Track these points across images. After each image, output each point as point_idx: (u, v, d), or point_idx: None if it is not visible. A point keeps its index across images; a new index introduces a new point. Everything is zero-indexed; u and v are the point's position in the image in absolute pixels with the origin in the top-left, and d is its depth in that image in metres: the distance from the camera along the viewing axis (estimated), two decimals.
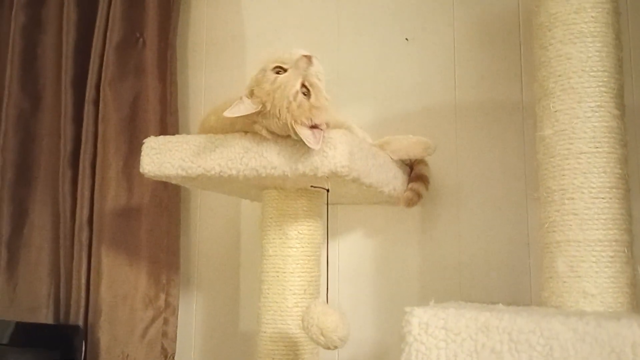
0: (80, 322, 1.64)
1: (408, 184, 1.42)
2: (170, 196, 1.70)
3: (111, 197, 1.68)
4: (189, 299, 1.75)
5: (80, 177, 1.72)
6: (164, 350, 1.63)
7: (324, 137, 1.09)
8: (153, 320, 1.63)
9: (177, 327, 1.66)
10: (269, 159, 1.14)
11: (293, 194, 1.31)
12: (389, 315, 1.55)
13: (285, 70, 1.11)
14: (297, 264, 1.31)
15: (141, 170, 1.26)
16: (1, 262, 1.81)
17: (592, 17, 1.01)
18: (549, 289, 1.00)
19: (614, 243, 0.97)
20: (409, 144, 1.38)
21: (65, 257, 1.74)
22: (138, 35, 1.77)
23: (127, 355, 1.60)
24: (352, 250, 1.61)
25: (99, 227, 1.67)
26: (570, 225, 0.98)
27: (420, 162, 1.45)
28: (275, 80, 1.10)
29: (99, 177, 1.69)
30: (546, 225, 1.02)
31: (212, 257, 1.76)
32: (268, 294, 1.31)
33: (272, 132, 1.12)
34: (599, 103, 1.00)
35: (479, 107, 1.54)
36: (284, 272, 1.31)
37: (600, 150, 0.99)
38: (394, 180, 1.35)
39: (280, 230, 1.32)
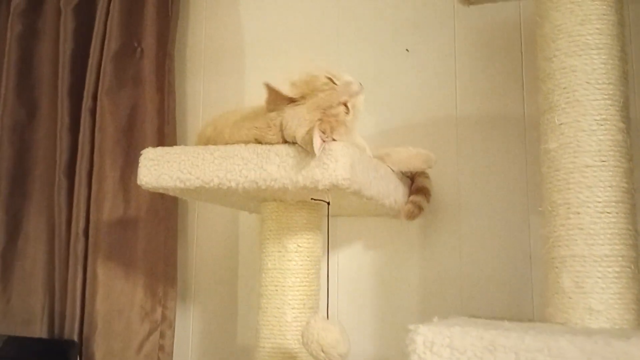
0: (75, 336, 1.61)
1: (409, 196, 1.41)
2: (167, 208, 1.67)
3: (107, 208, 1.66)
4: (186, 312, 1.73)
5: (76, 187, 1.69)
6: None
7: (324, 147, 1.07)
8: (149, 333, 1.61)
9: (174, 341, 1.63)
10: (269, 171, 1.12)
11: (292, 207, 1.30)
12: (389, 329, 1.53)
13: (334, 84, 1.14)
14: (297, 277, 1.29)
15: (138, 181, 1.24)
16: None
17: (598, 29, 1.00)
18: (554, 305, 0.98)
19: (620, 259, 0.95)
20: (410, 156, 1.36)
21: (60, 269, 1.71)
22: (136, 44, 1.76)
23: None
24: (352, 263, 1.59)
25: (95, 238, 1.65)
26: (576, 240, 0.96)
27: (421, 174, 1.44)
28: (327, 84, 1.13)
29: (95, 187, 1.66)
30: (551, 240, 1.00)
31: (210, 269, 1.74)
32: (267, 308, 1.29)
33: (279, 135, 1.12)
34: (604, 116, 0.98)
35: (480, 118, 1.52)
36: (283, 286, 1.28)
37: (606, 163, 0.97)
38: (395, 193, 1.33)
39: (279, 243, 1.30)
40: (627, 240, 0.96)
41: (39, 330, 1.72)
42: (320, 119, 1.09)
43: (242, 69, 1.79)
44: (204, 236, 1.76)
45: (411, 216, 1.38)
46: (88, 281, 1.64)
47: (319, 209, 1.32)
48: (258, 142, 1.17)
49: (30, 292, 1.76)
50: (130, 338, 1.59)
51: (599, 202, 0.96)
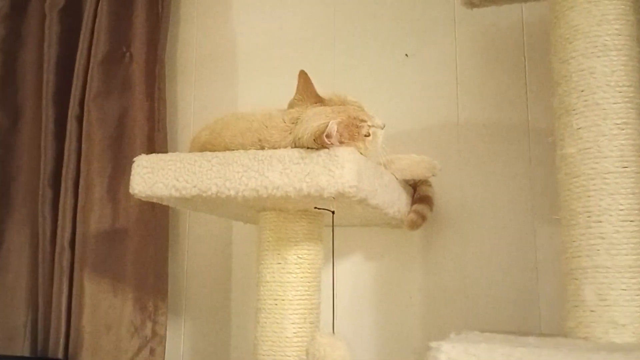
0: (60, 354, 1.53)
1: (412, 205, 1.35)
2: (157, 218, 1.61)
3: (95, 219, 1.58)
4: (177, 328, 1.65)
5: (61, 197, 1.62)
6: None
7: (331, 151, 1.03)
8: (139, 350, 1.53)
9: (164, 357, 1.55)
10: (270, 179, 1.06)
11: (292, 216, 1.24)
12: (391, 343, 1.47)
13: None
14: (297, 290, 1.23)
15: (131, 190, 1.17)
16: None
17: (616, 29, 0.96)
18: (575, 319, 0.93)
19: None
20: (413, 164, 1.31)
21: (44, 282, 1.63)
22: (125, 49, 1.70)
23: None
24: (351, 275, 1.53)
25: (82, 250, 1.57)
26: (598, 250, 0.92)
27: (424, 182, 1.39)
28: (356, 103, 1.14)
29: (82, 197, 1.59)
30: (570, 250, 0.95)
31: (202, 282, 1.67)
32: (265, 323, 1.22)
33: (289, 137, 1.08)
34: (625, 120, 0.94)
35: (483, 125, 1.48)
36: (283, 300, 1.22)
37: (628, 169, 0.92)
38: (399, 202, 1.27)
39: (278, 254, 1.24)
40: None
41: (21, 347, 1.64)
42: (344, 121, 1.06)
43: (235, 75, 1.74)
44: (196, 248, 1.69)
45: (414, 226, 1.33)
46: (74, 295, 1.57)
47: (320, 218, 1.26)
48: (261, 146, 1.11)
49: (12, 307, 1.67)
50: (119, 355, 1.52)
51: (622, 209, 0.92)
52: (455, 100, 1.51)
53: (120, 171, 1.60)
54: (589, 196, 0.94)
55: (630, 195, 0.92)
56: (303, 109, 1.12)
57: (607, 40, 0.96)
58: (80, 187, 1.60)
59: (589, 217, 0.93)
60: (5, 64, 1.79)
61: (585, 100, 0.96)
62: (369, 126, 1.11)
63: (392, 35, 1.59)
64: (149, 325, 1.55)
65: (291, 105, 1.16)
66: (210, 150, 1.16)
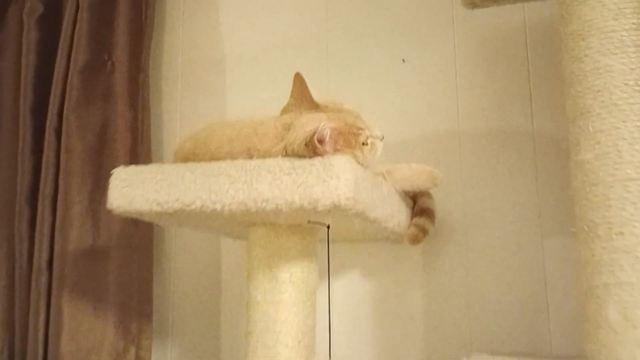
0: None
1: (412, 218, 1.27)
2: (141, 235, 1.51)
3: (74, 236, 1.49)
4: (163, 353, 1.55)
5: (39, 214, 1.52)
6: None
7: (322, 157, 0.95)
8: None
9: None
10: (259, 190, 0.98)
11: (284, 231, 1.14)
12: None
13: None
14: (290, 311, 1.13)
15: (108, 205, 1.08)
16: None
17: (634, 24, 0.88)
18: (597, 341, 0.85)
19: None
20: (413, 174, 1.23)
21: (21, 305, 1.53)
22: (106, 57, 1.61)
23: None
24: (349, 294, 1.44)
25: (60, 271, 1.47)
26: (622, 264, 0.83)
27: (424, 194, 1.30)
28: (354, 112, 1.06)
29: (60, 214, 1.49)
30: (590, 266, 0.87)
31: (190, 304, 1.57)
32: (257, 347, 1.13)
33: (281, 144, 1.00)
34: None
35: (485, 133, 1.40)
36: (275, 322, 1.13)
37: None
38: (398, 214, 1.19)
39: (269, 273, 1.14)
40: None
41: None
42: (340, 128, 0.98)
43: (223, 84, 1.65)
44: (183, 267, 1.59)
45: (415, 240, 1.24)
46: (52, 318, 1.46)
47: (314, 233, 1.17)
48: (250, 155, 1.02)
49: None
50: None
51: None
52: (455, 107, 1.43)
53: (101, 185, 1.50)
54: (609, 205, 0.85)
55: None
56: (297, 114, 1.04)
57: (624, 36, 0.88)
58: (58, 203, 1.50)
59: (609, 228, 0.85)
60: None
61: (602, 102, 0.88)
62: (367, 136, 1.03)
63: (387, 39, 1.52)
64: (133, 350, 1.45)
65: (285, 111, 1.08)
66: (194, 161, 1.08)
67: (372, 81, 1.50)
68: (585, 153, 0.89)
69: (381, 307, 1.41)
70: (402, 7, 1.51)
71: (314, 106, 1.05)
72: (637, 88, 0.87)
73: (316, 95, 1.07)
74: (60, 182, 1.51)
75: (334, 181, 0.93)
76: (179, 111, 1.68)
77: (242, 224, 1.17)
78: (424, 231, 1.25)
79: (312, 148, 0.95)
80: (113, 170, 1.10)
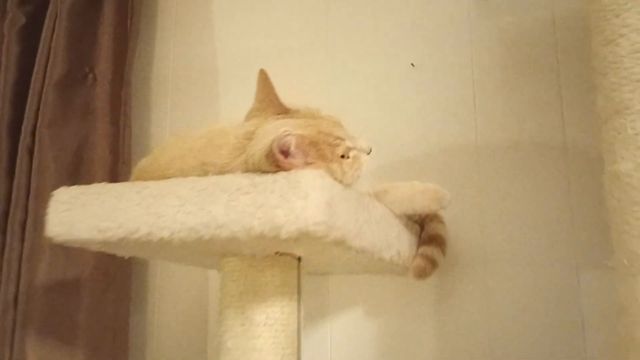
0: None
1: (418, 247, 1.06)
2: (119, 266, 1.35)
3: (44, 268, 1.33)
4: None
5: (7, 244, 1.37)
6: None
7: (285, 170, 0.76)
8: None
9: None
10: (213, 214, 0.79)
11: (260, 263, 0.95)
12: None
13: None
14: None
15: (47, 233, 0.92)
16: None
17: None
18: None
19: None
20: (414, 193, 1.02)
21: None
22: (87, 70, 1.46)
23: None
24: (349, 334, 1.23)
25: (26, 306, 1.31)
26: None
27: (434, 218, 1.10)
28: (332, 120, 0.88)
29: (29, 242, 1.34)
30: (632, 311, 0.65)
31: (173, 344, 1.38)
32: None
33: (242, 156, 0.82)
34: None
35: (507, 147, 1.19)
36: None
37: None
38: (398, 243, 0.99)
39: (242, 313, 0.95)
40: None
41: None
42: (310, 136, 0.80)
43: (216, 96, 1.49)
44: (165, 302, 1.42)
45: (422, 274, 1.04)
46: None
47: (297, 266, 0.98)
48: (205, 171, 0.85)
49: None
50: None
51: None
52: (472, 117, 1.23)
53: None
54: None
55: None
56: (262, 120, 0.86)
57: None
58: (27, 230, 1.35)
59: None
60: None
61: None
62: (348, 147, 0.84)
63: (394, 41, 1.32)
64: None
65: (248, 117, 0.90)
66: (145, 180, 0.90)
67: (377, 89, 1.31)
68: (622, 162, 0.67)
69: (388, 349, 1.20)
70: (410, 6, 1.32)
71: (283, 110, 0.87)
72: None
73: (287, 100, 0.89)
74: (30, 206, 1.36)
75: (300, 201, 0.74)
76: (168, 127, 1.52)
77: (213, 254, 0.99)
78: (433, 263, 1.05)
79: (273, 161, 0.76)
80: (54, 192, 0.94)
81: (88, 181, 1.33)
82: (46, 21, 1.50)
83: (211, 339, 1.35)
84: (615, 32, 0.70)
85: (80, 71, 1.46)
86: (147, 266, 1.43)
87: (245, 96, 1.43)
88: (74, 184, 1.34)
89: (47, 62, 1.45)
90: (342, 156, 0.82)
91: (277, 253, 0.89)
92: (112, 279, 1.34)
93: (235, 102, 1.47)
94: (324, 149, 0.81)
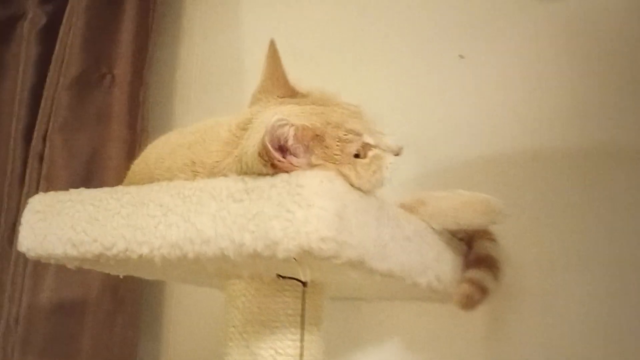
0: None
1: (464, 270, 0.88)
2: (129, 285, 1.22)
3: (47, 286, 1.21)
4: None
5: (12, 259, 1.26)
6: None
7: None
8: None
9: None
10: (198, 227, 0.64)
11: (266, 287, 0.79)
12: None
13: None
14: None
15: (19, 247, 0.79)
16: None
17: None
18: None
19: None
20: (460, 205, 0.84)
21: None
22: (105, 70, 1.35)
23: None
24: None
25: (27, 328, 1.20)
26: None
27: (484, 235, 0.91)
28: (353, 109, 0.70)
29: None
30: None
31: None
32: None
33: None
34: None
35: (576, 150, 1.00)
36: None
37: None
38: (437, 265, 0.81)
39: (246, 347, 0.79)
40: None
41: None
42: (314, 127, 0.64)
43: (240, 97, 1.33)
44: (182, 328, 1.27)
45: (469, 303, 0.85)
46: None
47: (312, 290, 0.81)
48: (194, 172, 0.70)
49: None
50: None
51: None
52: (532, 116, 1.03)
53: None
54: None
55: None
56: (264, 106, 0.71)
57: None
58: None
59: None
60: None
61: None
62: (367, 144, 0.67)
63: (440, 29, 1.15)
64: None
65: (252, 102, 0.75)
66: (133, 184, 0.76)
67: (418, 86, 1.14)
68: None
69: None
70: None
71: (288, 92, 0.71)
72: None
73: (299, 82, 0.73)
74: None
75: (301, 211, 0.58)
76: None
77: (213, 275, 0.83)
78: (482, 290, 0.86)
79: (268, 160, 0.60)
80: (30, 199, 0.81)
81: None
82: (64, 19, 1.39)
83: None
84: None
85: (97, 72, 1.35)
86: (161, 287, 1.29)
87: None
88: None
89: (63, 62, 1.35)
90: (357, 155, 0.65)
91: (278, 276, 0.73)
92: (121, 301, 1.21)
93: None
94: (332, 145, 0.64)
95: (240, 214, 0.61)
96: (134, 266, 0.78)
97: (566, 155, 1.00)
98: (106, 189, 0.75)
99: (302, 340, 0.74)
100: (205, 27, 1.43)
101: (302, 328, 0.74)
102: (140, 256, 0.68)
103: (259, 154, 0.60)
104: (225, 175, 0.67)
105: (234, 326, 0.81)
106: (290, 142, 0.61)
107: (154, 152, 0.77)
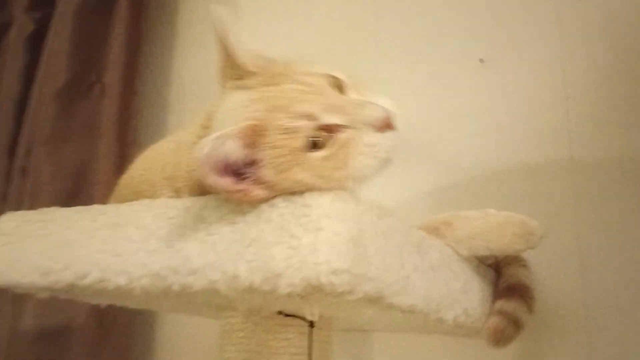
0: None
1: (494, 302, 0.77)
2: (118, 311, 1.10)
3: (30, 311, 1.11)
4: None
5: None
6: None
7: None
8: None
9: None
10: (183, 254, 0.53)
11: (267, 321, 0.68)
12: None
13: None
14: None
15: None
16: None
17: None
18: None
19: None
20: (492, 228, 0.73)
21: None
22: (94, 78, 1.26)
23: None
24: None
25: (8, 357, 1.09)
26: None
27: (514, 261, 0.80)
28: (317, 74, 0.57)
29: None
30: None
31: None
32: None
33: None
34: None
35: (614, 162, 0.88)
36: None
37: None
38: (465, 297, 0.70)
39: None
40: None
41: None
42: (251, 127, 0.51)
43: None
44: (175, 354, 1.16)
45: (501, 339, 0.74)
46: None
47: (320, 325, 0.70)
48: (174, 188, 0.59)
49: None
50: None
51: None
52: (564, 123, 0.93)
53: None
54: None
55: None
56: (219, 96, 0.60)
57: None
58: None
59: None
60: None
61: None
62: (332, 127, 0.53)
63: (458, 31, 1.05)
64: None
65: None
66: (120, 201, 0.66)
67: (436, 92, 1.03)
68: None
69: None
70: None
71: (241, 73, 0.58)
72: None
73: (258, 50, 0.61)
74: None
75: (309, 236, 0.47)
76: None
77: (204, 305, 0.73)
78: (516, 323, 0.75)
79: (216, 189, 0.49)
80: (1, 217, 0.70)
81: None
82: (52, 24, 1.30)
83: None
84: None
85: (86, 80, 1.26)
86: (153, 313, 1.18)
87: None
88: None
89: (49, 70, 1.25)
90: (316, 145, 0.52)
91: (280, 313, 0.62)
92: (109, 328, 1.10)
93: None
94: (276, 142, 0.51)
95: (234, 240, 0.51)
96: (113, 297, 0.67)
97: (604, 165, 0.89)
98: (80, 209, 0.64)
99: None
100: (201, 33, 1.33)
101: None
102: (118, 287, 0.57)
103: (206, 184, 0.49)
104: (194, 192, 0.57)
105: None
106: (236, 160, 0.49)
107: (139, 164, 0.67)
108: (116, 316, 1.11)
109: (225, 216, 0.52)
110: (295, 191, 0.50)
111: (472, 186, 0.95)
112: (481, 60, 1.01)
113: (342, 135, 0.52)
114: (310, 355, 0.63)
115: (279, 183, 0.49)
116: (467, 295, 0.70)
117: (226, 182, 0.48)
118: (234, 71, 0.58)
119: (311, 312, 0.57)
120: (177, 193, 0.58)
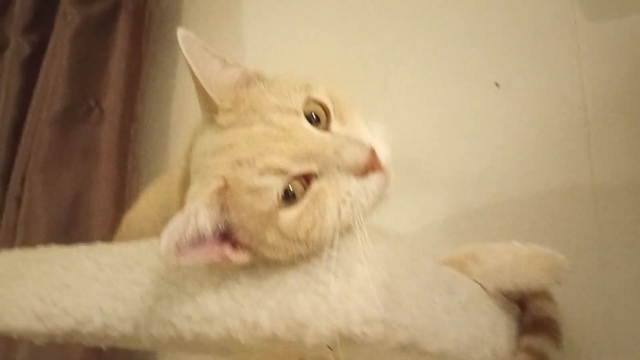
0: None
1: (521, 337, 0.72)
2: (116, 350, 1.05)
3: (23, 351, 1.05)
4: None
5: None
6: None
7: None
8: None
9: None
10: (199, 301, 0.49)
11: None
12: None
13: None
14: None
15: None
16: None
17: None
18: None
19: None
20: (518, 262, 0.68)
21: None
22: (92, 103, 1.22)
23: None
24: None
25: None
26: None
27: (540, 295, 0.75)
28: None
29: None
30: None
31: None
32: None
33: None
34: None
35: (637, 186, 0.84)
36: None
37: None
38: (493, 336, 0.65)
39: None
40: None
41: None
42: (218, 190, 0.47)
43: None
44: None
45: None
46: None
47: None
48: None
49: None
50: None
51: None
52: (585, 149, 0.89)
53: None
54: None
55: None
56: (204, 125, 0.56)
57: None
58: None
59: None
60: None
61: None
62: (297, 177, 0.48)
63: (472, 54, 1.01)
64: None
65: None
66: (127, 237, 0.62)
67: (449, 118, 0.99)
68: None
69: None
70: (491, 5, 1.01)
71: (214, 108, 0.54)
72: None
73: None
74: None
75: (338, 283, 0.43)
76: None
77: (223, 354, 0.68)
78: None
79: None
80: None
81: (85, 239, 1.06)
82: (49, 47, 1.26)
83: None
84: None
85: (84, 105, 1.21)
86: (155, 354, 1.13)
87: None
88: (68, 243, 1.06)
89: (46, 95, 1.21)
90: (289, 197, 0.47)
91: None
92: None
93: None
94: (246, 204, 0.46)
95: (254, 285, 0.46)
96: (117, 342, 0.62)
97: (627, 192, 0.85)
98: (79, 248, 0.60)
99: None
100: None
101: None
102: (123, 335, 0.52)
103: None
104: None
105: None
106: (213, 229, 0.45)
107: (142, 201, 0.62)
108: (114, 355, 1.05)
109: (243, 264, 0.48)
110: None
111: (489, 214, 0.91)
112: (497, 85, 0.97)
113: (315, 187, 0.47)
114: None
115: (256, 248, 0.45)
116: (495, 335, 0.66)
117: (204, 256, 0.44)
118: (207, 106, 0.54)
119: (336, 358, 0.52)
120: None
